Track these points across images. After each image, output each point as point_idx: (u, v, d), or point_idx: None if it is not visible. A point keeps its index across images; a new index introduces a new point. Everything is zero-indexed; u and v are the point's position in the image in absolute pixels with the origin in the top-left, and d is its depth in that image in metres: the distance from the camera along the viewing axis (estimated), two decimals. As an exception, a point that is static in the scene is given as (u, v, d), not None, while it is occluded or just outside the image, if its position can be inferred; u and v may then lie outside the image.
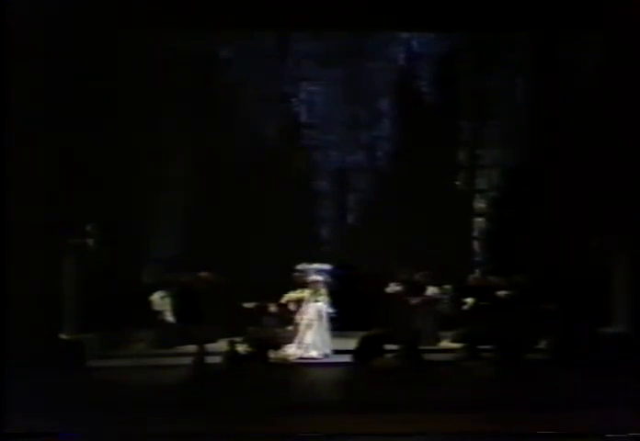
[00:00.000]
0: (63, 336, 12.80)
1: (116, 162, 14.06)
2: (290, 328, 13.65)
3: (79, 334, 12.95)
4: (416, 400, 9.45)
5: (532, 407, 9.05)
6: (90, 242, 13.78)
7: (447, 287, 14.74)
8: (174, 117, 15.88)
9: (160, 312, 14.23)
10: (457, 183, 16.94)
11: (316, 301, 13.63)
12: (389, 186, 16.62)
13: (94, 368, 12.19)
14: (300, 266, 14.46)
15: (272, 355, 12.73)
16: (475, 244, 16.73)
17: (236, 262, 14.99)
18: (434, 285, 14.51)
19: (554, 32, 15.39)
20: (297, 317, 13.65)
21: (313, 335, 13.42)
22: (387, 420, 8.59)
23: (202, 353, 12.64)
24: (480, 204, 16.85)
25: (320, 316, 13.54)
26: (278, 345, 13.06)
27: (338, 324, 13.78)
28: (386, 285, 14.41)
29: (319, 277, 13.96)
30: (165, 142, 15.86)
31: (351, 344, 12.85)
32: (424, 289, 14.41)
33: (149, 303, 14.21)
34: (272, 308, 13.91)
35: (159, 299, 14.28)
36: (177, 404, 9.41)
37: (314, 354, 13.28)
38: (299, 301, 13.77)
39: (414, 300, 14.26)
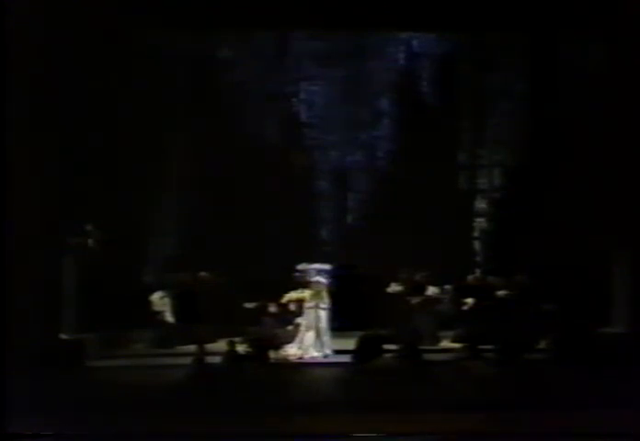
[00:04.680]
0: (63, 336, 12.80)
1: (116, 162, 14.08)
2: (290, 328, 13.65)
3: (79, 334, 12.96)
4: (416, 400, 9.45)
5: (532, 407, 9.05)
6: (90, 242, 13.79)
7: (447, 287, 14.75)
8: (173, 116, 15.88)
9: (160, 312, 14.23)
10: (457, 183, 16.93)
11: (317, 301, 13.62)
12: (389, 186, 16.61)
13: (94, 368, 12.18)
14: (300, 267, 14.47)
15: (272, 355, 12.73)
16: (475, 244, 16.73)
17: (236, 262, 15.00)
18: (434, 285, 14.52)
19: (553, 32, 15.41)
20: (297, 317, 13.65)
21: (313, 336, 13.41)
22: (387, 420, 8.58)
23: (202, 353, 12.65)
24: (480, 204, 16.85)
25: (320, 316, 13.53)
26: (278, 346, 13.06)
27: (338, 324, 13.78)
28: (386, 285, 14.41)
29: (319, 277, 13.96)
30: (165, 142, 15.86)
31: (351, 344, 12.85)
32: (424, 289, 14.41)
33: (149, 303, 14.21)
34: (272, 308, 13.90)
35: (159, 300, 14.28)
36: (177, 404, 9.41)
37: (314, 354, 13.28)
38: (299, 301, 13.76)
39: (414, 300, 14.26)
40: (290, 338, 13.46)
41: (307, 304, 13.61)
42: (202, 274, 14.76)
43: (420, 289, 14.38)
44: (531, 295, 14.13)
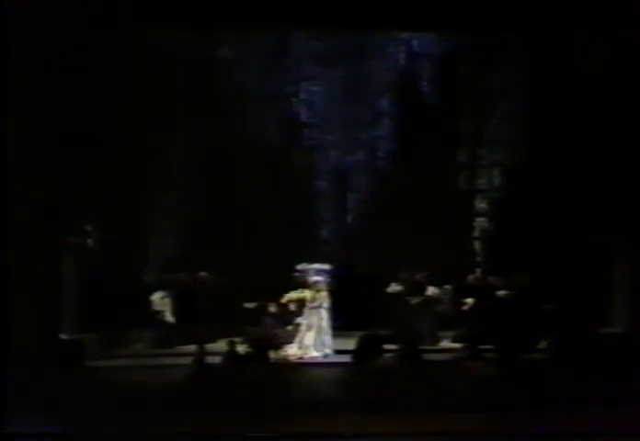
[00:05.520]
0: (63, 336, 12.80)
1: (116, 162, 14.08)
2: (290, 328, 13.65)
3: (79, 334, 12.96)
4: (416, 400, 9.45)
5: (532, 407, 9.05)
6: (90, 242, 13.78)
7: (447, 287, 14.75)
8: (174, 117, 15.88)
9: (160, 312, 14.23)
10: (457, 183, 16.93)
11: (317, 301, 13.62)
12: (389, 186, 16.61)
13: (94, 368, 12.18)
14: (300, 267, 14.46)
15: (272, 355, 12.73)
16: (475, 244, 16.73)
17: (236, 262, 15.00)
18: (434, 285, 14.52)
19: (553, 32, 15.41)
20: (297, 317, 13.65)
21: (313, 336, 13.41)
22: (387, 420, 8.58)
23: (202, 353, 12.65)
24: (480, 204, 16.85)
25: (320, 316, 13.54)
26: (278, 346, 13.06)
27: (338, 324, 13.78)
28: (386, 285, 14.41)
29: (319, 277, 13.96)
30: (165, 142, 15.87)
31: (351, 344, 12.85)
32: (424, 289, 14.41)
33: (149, 303, 14.21)
34: (272, 308, 13.90)
35: (159, 299, 14.28)
36: (177, 404, 9.41)
37: (314, 354, 13.28)
38: (299, 301, 13.76)
39: (414, 300, 14.26)
40: (290, 338, 13.46)
41: (307, 304, 13.62)
42: (202, 274, 14.76)
43: (420, 289, 14.38)
44: (531, 295, 14.12)
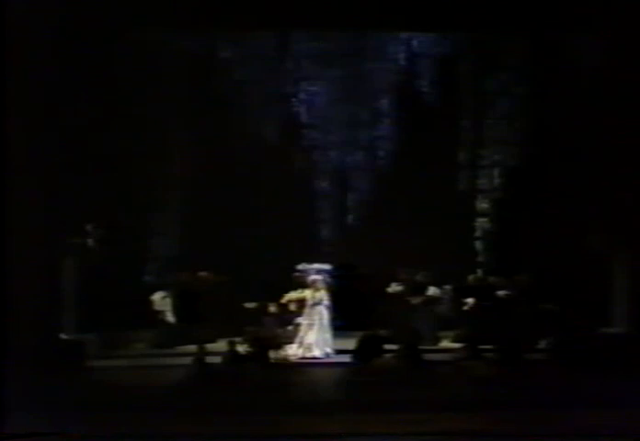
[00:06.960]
0: (63, 336, 12.81)
1: (116, 161, 14.07)
2: (290, 328, 13.65)
3: (79, 334, 12.96)
4: (416, 400, 9.45)
5: (532, 407, 9.05)
6: (90, 242, 13.79)
7: (447, 287, 14.75)
8: (174, 116, 15.87)
9: (160, 312, 14.23)
10: (457, 183, 16.91)
11: (317, 301, 13.63)
12: (389, 186, 16.59)
13: (94, 368, 12.18)
14: (300, 266, 14.46)
15: (273, 355, 12.73)
16: (476, 244, 16.72)
17: (236, 262, 15.00)
18: (434, 285, 14.52)
19: (553, 32, 15.41)
20: (298, 317, 13.65)
21: (313, 335, 13.42)
22: (387, 420, 8.59)
23: (202, 353, 12.65)
24: (481, 204, 16.84)
25: (320, 316, 13.54)
26: (278, 346, 13.06)
27: (338, 324, 13.78)
28: (386, 285, 14.41)
29: (319, 277, 13.97)
30: (165, 142, 15.85)
31: (352, 343, 12.85)
32: (424, 289, 14.42)
33: (149, 303, 14.21)
34: (272, 308, 13.90)
35: (159, 299, 14.28)
36: (178, 404, 9.41)
37: (314, 354, 13.28)
38: (299, 301, 13.77)
39: (414, 300, 14.26)
40: (290, 338, 13.46)
41: (308, 302, 13.62)
42: (202, 274, 14.76)
43: (420, 289, 14.38)
44: (531, 295, 14.12)
